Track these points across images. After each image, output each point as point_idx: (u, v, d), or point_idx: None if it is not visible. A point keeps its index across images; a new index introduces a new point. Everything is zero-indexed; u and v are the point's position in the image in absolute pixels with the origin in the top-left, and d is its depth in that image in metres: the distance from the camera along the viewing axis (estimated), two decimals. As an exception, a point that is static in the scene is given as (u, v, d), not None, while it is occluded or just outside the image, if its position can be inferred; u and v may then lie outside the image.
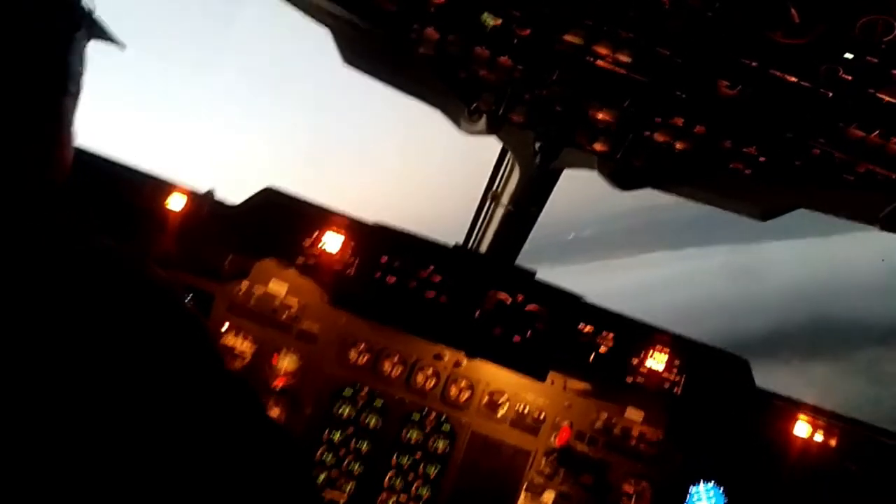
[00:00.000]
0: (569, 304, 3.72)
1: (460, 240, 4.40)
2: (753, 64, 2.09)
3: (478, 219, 4.30)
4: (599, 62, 2.32)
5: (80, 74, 1.57)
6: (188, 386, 1.40)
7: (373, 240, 3.65)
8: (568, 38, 2.24)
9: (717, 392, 3.69)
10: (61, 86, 1.50)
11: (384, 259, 3.62)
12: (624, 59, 2.26)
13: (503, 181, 4.01)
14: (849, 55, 1.93)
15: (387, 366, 4.07)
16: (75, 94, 1.56)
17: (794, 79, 2.09)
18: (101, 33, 1.70)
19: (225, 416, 1.46)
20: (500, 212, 4.06)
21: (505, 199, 3.97)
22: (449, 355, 4.06)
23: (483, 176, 4.13)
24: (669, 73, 2.25)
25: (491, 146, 3.95)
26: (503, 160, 3.97)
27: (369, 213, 3.78)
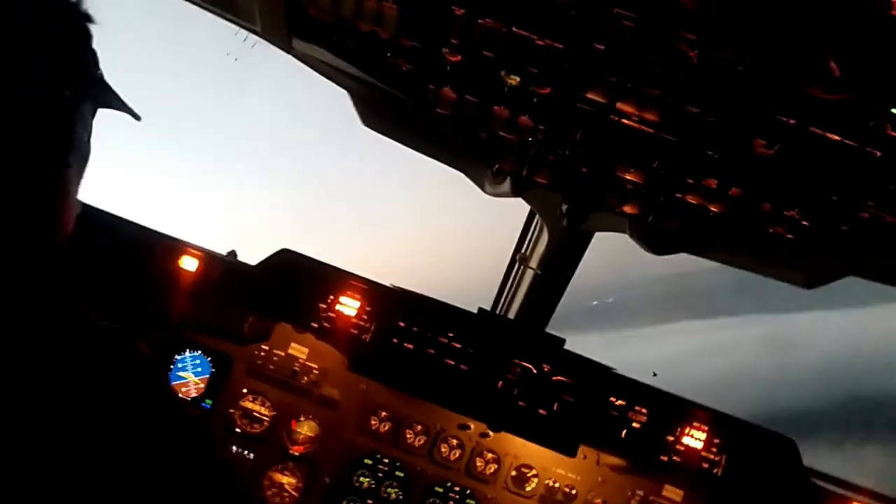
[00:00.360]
0: (598, 376, 3.50)
1: (488, 305, 4.24)
2: (791, 121, 1.93)
3: (506, 283, 4.15)
4: (625, 121, 2.19)
5: (84, 144, 1.55)
6: (165, 470, 1.35)
7: (390, 304, 3.51)
8: (590, 95, 2.12)
9: (761, 474, 3.39)
10: (62, 156, 1.47)
11: (402, 324, 3.47)
12: (650, 117, 2.13)
13: (531, 244, 3.86)
14: (897, 111, 1.77)
15: (409, 435, 3.88)
16: (79, 164, 1.53)
17: (837, 137, 1.93)
18: (112, 101, 1.69)
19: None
20: (528, 276, 3.90)
21: (533, 262, 3.82)
22: (475, 426, 3.86)
23: (512, 239, 4.00)
24: (700, 131, 2.11)
25: (519, 208, 3.84)
26: (531, 223, 3.84)
27: (394, 279, 3.67)
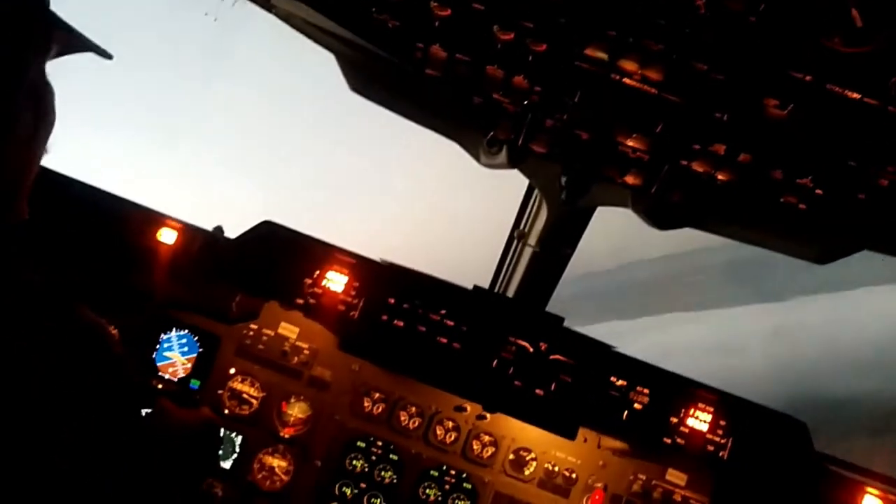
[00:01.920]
0: (599, 355, 3.35)
1: (486, 284, 4.10)
2: (807, 78, 1.78)
3: (504, 261, 4.00)
4: (626, 80, 2.04)
5: (39, 82, 1.50)
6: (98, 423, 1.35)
7: (378, 279, 3.37)
8: (589, 52, 1.97)
9: (769, 458, 3.25)
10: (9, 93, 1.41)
11: (391, 300, 3.32)
12: (654, 76, 1.98)
13: (530, 220, 3.71)
14: (925, 64, 1.61)
15: (403, 417, 3.76)
16: (33, 105, 1.48)
17: (856, 95, 1.77)
18: (79, 44, 1.62)
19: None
20: (527, 254, 3.76)
21: (532, 240, 3.67)
22: (471, 407, 3.73)
23: (510, 214, 3.85)
24: (707, 91, 1.96)
25: (518, 182, 3.69)
26: (530, 197, 3.69)
27: (387, 256, 3.51)
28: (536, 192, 3.54)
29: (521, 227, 3.77)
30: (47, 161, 1.63)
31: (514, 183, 3.63)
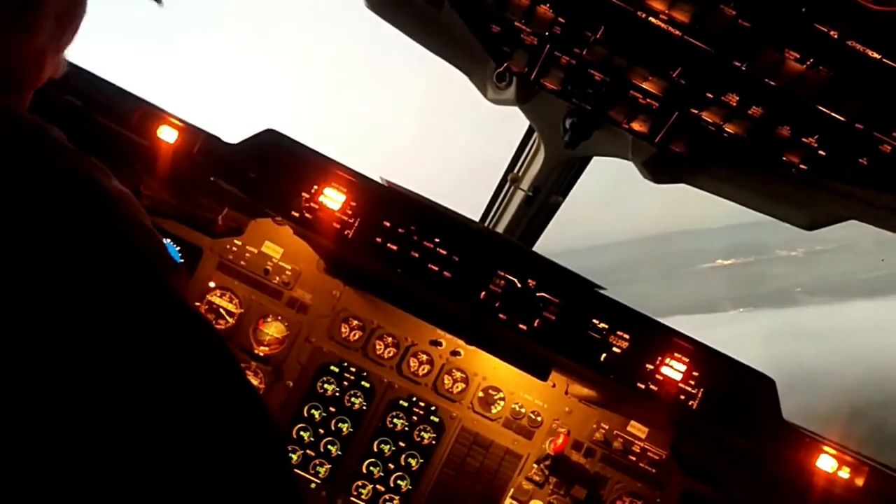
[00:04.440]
0: (585, 294, 3.39)
1: (476, 219, 4.13)
2: (832, 33, 1.81)
3: (495, 200, 4.02)
4: (652, 20, 2.04)
5: None
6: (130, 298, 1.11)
7: (378, 200, 3.32)
8: (620, -14, 1.97)
9: (735, 410, 3.37)
10: None
11: (387, 223, 3.31)
12: (681, 17, 1.99)
13: (525, 164, 3.73)
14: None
15: (379, 346, 3.80)
16: None
17: (876, 55, 1.81)
18: None
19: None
20: (518, 197, 3.79)
21: (525, 184, 3.70)
22: (447, 343, 3.79)
23: (506, 155, 3.86)
24: (731, 38, 1.98)
25: (517, 126, 3.70)
26: (528, 141, 3.70)
27: (379, 174, 3.46)
28: (535, 136, 3.55)
29: (516, 170, 3.79)
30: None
31: (514, 125, 3.64)
